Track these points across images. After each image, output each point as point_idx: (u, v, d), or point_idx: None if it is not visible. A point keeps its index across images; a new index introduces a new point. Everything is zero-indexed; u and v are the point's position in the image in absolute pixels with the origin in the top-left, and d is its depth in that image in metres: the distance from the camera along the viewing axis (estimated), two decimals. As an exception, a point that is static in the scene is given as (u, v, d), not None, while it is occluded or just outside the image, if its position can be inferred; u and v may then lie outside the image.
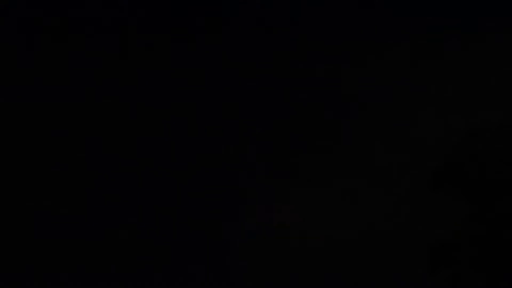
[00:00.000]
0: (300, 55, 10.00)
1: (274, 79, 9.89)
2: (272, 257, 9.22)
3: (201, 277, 9.29)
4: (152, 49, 10.40)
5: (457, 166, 8.92)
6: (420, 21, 9.60)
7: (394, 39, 9.47)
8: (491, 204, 8.47)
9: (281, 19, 10.16)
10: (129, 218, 9.68)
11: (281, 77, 9.86)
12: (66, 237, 9.59)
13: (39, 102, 10.38)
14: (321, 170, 9.55)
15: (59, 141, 10.34)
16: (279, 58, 10.05)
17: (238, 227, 9.26)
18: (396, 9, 9.69)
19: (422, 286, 8.65)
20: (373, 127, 9.57)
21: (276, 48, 10.05)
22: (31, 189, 9.94)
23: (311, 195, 9.38)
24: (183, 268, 9.28)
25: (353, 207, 9.37)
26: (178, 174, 9.87)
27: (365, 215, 9.22)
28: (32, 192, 9.91)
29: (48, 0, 10.46)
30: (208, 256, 9.41)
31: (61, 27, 10.58)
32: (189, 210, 9.57)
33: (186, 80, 10.22)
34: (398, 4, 9.61)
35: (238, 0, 10.16)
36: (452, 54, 9.45)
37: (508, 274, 8.11)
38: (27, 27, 10.48)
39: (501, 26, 9.27)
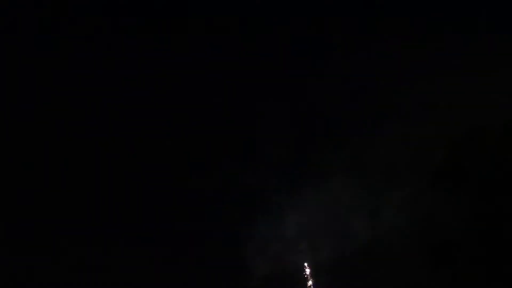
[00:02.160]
0: (303, 57, 10.03)
1: (284, 84, 9.93)
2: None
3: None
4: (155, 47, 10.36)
5: (457, 165, 8.99)
6: (422, 22, 9.63)
7: (394, 40, 9.49)
8: (491, 203, 8.54)
9: (289, 19, 10.16)
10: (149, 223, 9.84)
11: (290, 82, 9.90)
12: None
13: (39, 101, 10.35)
14: (322, 173, 9.62)
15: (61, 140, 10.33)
16: (283, 61, 10.08)
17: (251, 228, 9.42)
18: (399, 10, 9.73)
19: (423, 284, 8.74)
20: (373, 128, 9.60)
21: (277, 51, 10.08)
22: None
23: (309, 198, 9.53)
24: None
25: (354, 207, 9.44)
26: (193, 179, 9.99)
27: (365, 216, 9.28)
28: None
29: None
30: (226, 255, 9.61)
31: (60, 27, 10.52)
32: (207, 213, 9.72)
33: (201, 87, 10.21)
34: (401, 4, 9.65)
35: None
36: (452, 54, 9.48)
37: (508, 273, 8.20)
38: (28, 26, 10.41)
39: (501, 26, 9.32)
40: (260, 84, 9.94)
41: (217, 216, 9.69)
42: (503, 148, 9.12)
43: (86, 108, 10.28)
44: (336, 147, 9.44)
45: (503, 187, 8.85)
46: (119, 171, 10.02)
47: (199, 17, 10.53)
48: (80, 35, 10.38)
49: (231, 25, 10.20)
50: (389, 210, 9.21)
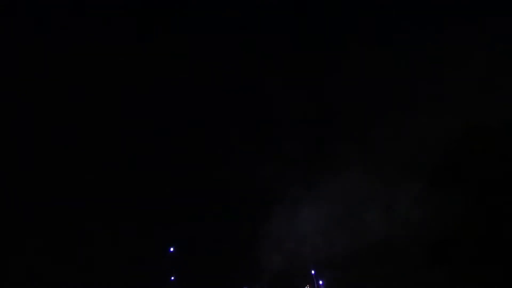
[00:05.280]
0: (320, 51, 10.05)
1: (301, 79, 9.98)
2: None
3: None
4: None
5: (457, 165, 9.07)
6: (421, 23, 9.63)
7: (393, 41, 9.51)
8: (490, 202, 8.63)
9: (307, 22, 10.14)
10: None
11: (307, 76, 9.96)
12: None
13: (41, 99, 10.39)
14: (322, 172, 9.72)
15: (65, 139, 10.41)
16: (301, 54, 10.09)
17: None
18: (398, 11, 9.73)
19: (421, 282, 8.89)
20: (373, 127, 9.67)
21: (295, 45, 10.09)
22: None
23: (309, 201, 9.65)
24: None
25: (353, 206, 9.55)
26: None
27: (365, 215, 9.40)
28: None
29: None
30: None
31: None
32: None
33: (218, 82, 10.21)
34: (400, 6, 9.64)
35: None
36: (452, 55, 9.49)
37: (506, 272, 8.32)
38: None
39: (500, 27, 9.30)
40: (277, 78, 10.02)
41: (232, 210, 9.87)
42: (502, 147, 9.19)
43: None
44: (333, 149, 9.53)
45: (502, 186, 8.93)
46: (138, 167, 10.17)
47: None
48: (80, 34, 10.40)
49: (253, 19, 10.20)
50: (387, 210, 9.32)
